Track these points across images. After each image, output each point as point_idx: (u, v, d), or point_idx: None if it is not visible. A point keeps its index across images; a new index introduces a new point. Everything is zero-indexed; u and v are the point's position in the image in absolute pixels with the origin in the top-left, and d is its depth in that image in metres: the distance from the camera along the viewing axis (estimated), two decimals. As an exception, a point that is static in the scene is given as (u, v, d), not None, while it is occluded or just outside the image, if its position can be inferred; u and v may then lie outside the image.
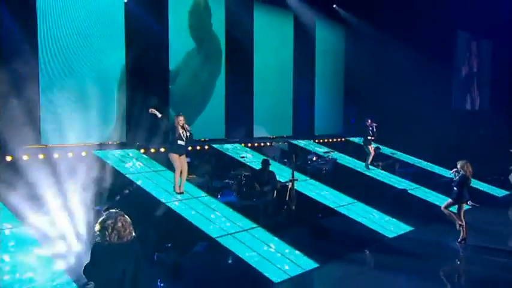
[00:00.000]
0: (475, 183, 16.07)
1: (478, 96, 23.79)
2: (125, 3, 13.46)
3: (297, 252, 9.02)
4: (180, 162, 10.31)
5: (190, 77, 15.46)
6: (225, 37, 16.13)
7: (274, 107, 18.00)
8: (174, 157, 10.25)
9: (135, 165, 11.61)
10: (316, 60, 19.57)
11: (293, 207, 11.01)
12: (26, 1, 11.58)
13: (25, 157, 10.41)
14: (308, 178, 13.44)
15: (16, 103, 11.11)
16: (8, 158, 10.25)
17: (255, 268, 8.19)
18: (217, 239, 8.92)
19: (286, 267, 8.42)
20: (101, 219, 4.27)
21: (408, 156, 18.24)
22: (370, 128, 15.35)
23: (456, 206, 10.47)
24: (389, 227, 11.40)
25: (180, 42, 14.96)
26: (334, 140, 18.73)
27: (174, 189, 10.47)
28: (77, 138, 12.50)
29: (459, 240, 10.31)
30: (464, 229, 10.29)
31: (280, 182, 11.70)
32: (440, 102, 20.81)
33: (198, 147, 13.93)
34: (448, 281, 8.60)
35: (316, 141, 17.81)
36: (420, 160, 18.23)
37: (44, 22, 11.91)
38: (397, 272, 8.75)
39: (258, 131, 17.34)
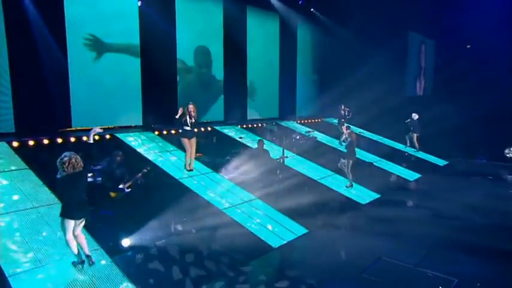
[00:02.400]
0: (422, 155, 16.15)
1: (424, 84, 23.09)
2: (138, 6, 12.27)
3: (290, 220, 8.37)
4: (190, 144, 9.44)
5: (195, 70, 14.35)
6: (223, 36, 15.01)
7: (263, 94, 17.16)
8: (184, 141, 9.46)
9: (151, 146, 10.63)
10: (297, 54, 18.62)
11: (280, 177, 10.30)
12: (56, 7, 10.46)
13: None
14: (294, 154, 12.60)
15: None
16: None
17: (256, 235, 7.52)
18: (223, 210, 8.15)
19: (282, 235, 7.78)
20: (59, 159, 5.11)
21: (371, 134, 17.50)
22: (343, 112, 14.59)
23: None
24: (362, 195, 10.79)
25: (186, 40, 13.79)
26: (313, 120, 17.86)
27: (184, 167, 9.60)
28: (102, 122, 11.52)
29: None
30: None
31: (272, 159, 10.90)
32: (396, 90, 20.15)
33: (202, 129, 12.99)
34: (415, 240, 7.93)
35: (299, 121, 16.95)
36: (381, 137, 17.50)
37: (72, 27, 10.82)
38: (374, 234, 8.20)
39: (251, 114, 16.42)
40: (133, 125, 12.44)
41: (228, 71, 15.21)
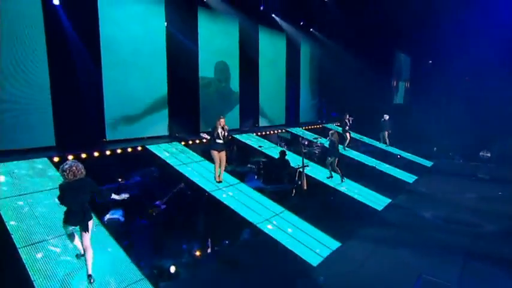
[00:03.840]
0: (405, 155, 15.11)
1: (403, 94, 21.95)
2: (165, 26, 10.75)
3: (321, 232, 7.08)
4: (219, 156, 8.07)
5: (215, 82, 12.90)
6: (239, 52, 13.60)
7: (272, 103, 15.69)
8: (214, 153, 8.07)
9: (180, 157, 9.23)
10: (301, 67, 17.23)
11: (305, 188, 8.94)
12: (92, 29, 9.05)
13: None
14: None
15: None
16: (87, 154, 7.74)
17: (295, 252, 6.20)
18: (258, 225, 6.81)
19: (317, 250, 6.47)
20: (60, 166, 4.50)
21: (366, 138, 16.31)
22: (347, 121, 13.29)
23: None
24: (375, 200, 9.51)
25: (207, 56, 12.29)
26: (314, 126, 16.56)
27: (214, 178, 8.22)
28: (132, 134, 10.10)
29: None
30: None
31: (293, 168, 9.57)
32: (385, 98, 19.05)
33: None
34: (443, 251, 6.68)
35: (303, 128, 15.63)
36: (373, 141, 16.32)
37: (106, 44, 9.43)
38: (402, 245, 6.91)
39: (262, 122, 15.03)
40: (160, 135, 11.01)
41: (243, 83, 13.81)
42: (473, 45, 16.96)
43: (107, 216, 6.27)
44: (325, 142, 11.60)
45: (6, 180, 6.43)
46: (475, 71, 18.29)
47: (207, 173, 8.63)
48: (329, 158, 10.23)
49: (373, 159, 13.38)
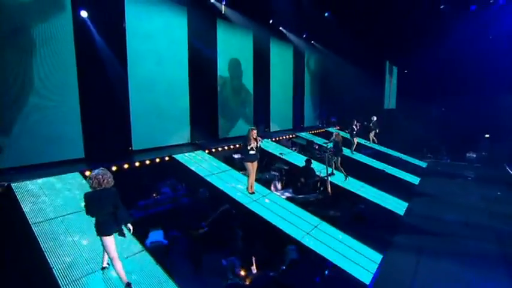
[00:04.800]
0: (400, 156, 14.26)
1: (392, 100, 21.26)
2: (188, 37, 9.65)
3: (359, 243, 6.15)
4: (253, 167, 7.02)
5: (231, 90, 11.78)
6: (253, 63, 12.45)
7: (281, 109, 14.63)
8: (248, 164, 7.03)
9: (207, 167, 8.12)
10: (305, 76, 16.25)
11: (330, 193, 8.01)
12: (121, 42, 7.94)
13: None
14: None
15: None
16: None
17: (345, 270, 5.25)
18: (301, 240, 5.82)
19: (363, 264, 5.53)
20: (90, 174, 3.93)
21: (363, 140, 15.48)
22: (354, 127, 12.41)
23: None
24: (395, 204, 8.64)
25: (224, 66, 11.17)
26: (319, 130, 15.64)
27: (247, 189, 7.18)
28: (156, 142, 8.93)
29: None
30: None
31: (319, 176, 8.59)
32: (377, 104, 18.28)
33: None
34: (478, 260, 5.97)
35: (310, 132, 14.67)
36: (367, 142, 15.48)
37: (132, 56, 8.22)
38: (440, 254, 6.16)
39: (273, 127, 14.00)
40: (183, 143, 9.86)
41: (256, 91, 12.74)
42: (454, 56, 16.46)
43: (149, 240, 5.15)
44: (330, 144, 10.74)
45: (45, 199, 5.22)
46: (456, 80, 17.78)
47: (237, 183, 7.57)
48: (333, 157, 9.52)
49: (379, 162, 12.53)
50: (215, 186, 7.12)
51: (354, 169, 10.35)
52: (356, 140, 12.66)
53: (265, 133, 13.24)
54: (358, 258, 5.70)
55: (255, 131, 6.88)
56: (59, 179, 5.83)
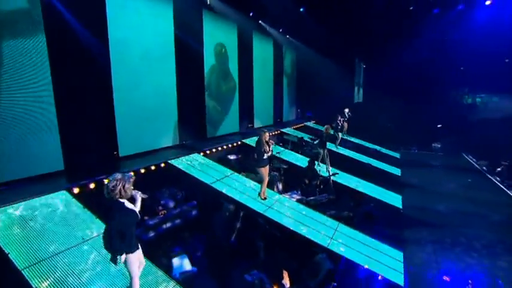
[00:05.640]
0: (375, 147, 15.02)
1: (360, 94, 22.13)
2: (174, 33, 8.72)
3: (380, 243, 6.15)
4: (266, 172, 6.58)
5: (217, 86, 11.08)
6: (237, 58, 11.85)
7: (263, 105, 14.31)
8: (262, 170, 6.60)
9: (209, 172, 7.50)
10: (284, 71, 16.00)
11: (333, 196, 7.92)
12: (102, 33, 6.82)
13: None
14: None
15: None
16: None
17: (378, 273, 5.15)
18: (329, 247, 5.60)
19: (391, 264, 5.48)
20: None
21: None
22: (338, 122, 12.54)
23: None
24: (391, 198, 8.84)
25: (211, 60, 10.48)
26: (298, 125, 15.59)
27: (259, 196, 6.76)
28: (144, 147, 8.02)
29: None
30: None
31: (322, 176, 8.44)
32: (348, 98, 18.86)
33: (234, 144, 10.00)
34: (485, 250, 6.31)
35: (293, 127, 14.55)
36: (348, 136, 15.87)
37: (115, 49, 7.13)
38: (455, 245, 6.42)
39: (256, 123, 13.62)
40: (173, 145, 9.04)
41: (241, 86, 12.18)
42: (418, 56, 17.54)
43: (176, 271, 4.49)
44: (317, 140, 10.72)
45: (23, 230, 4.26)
46: (419, 77, 18.98)
47: (246, 189, 7.09)
48: (320, 151, 9.54)
49: (363, 156, 12.83)
50: (227, 196, 6.57)
51: (343, 164, 10.43)
52: (340, 134, 12.81)
53: (249, 130, 12.81)
54: (383, 259, 5.66)
55: (267, 134, 6.44)
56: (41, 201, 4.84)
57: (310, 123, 16.54)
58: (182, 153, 8.09)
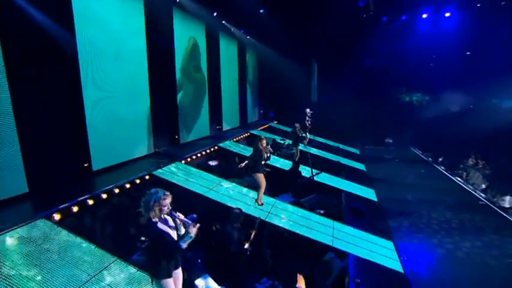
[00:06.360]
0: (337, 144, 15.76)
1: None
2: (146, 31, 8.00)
3: (373, 236, 6.47)
4: (263, 178, 6.41)
5: (187, 89, 10.47)
6: (206, 59, 11.32)
7: (230, 107, 14.02)
8: (261, 176, 6.38)
9: (201, 182, 7.02)
10: (247, 73, 15.86)
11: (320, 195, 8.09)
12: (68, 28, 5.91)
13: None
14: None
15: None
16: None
17: (388, 267, 5.35)
18: (334, 245, 5.68)
19: (389, 254, 5.80)
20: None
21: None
22: (306, 122, 12.87)
23: None
24: (365, 192, 9.33)
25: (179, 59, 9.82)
26: (264, 126, 15.59)
27: (256, 202, 6.56)
28: (119, 158, 7.19)
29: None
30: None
31: (305, 177, 8.50)
32: (306, 97, 19.48)
33: (212, 149, 9.56)
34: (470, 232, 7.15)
35: (260, 128, 14.49)
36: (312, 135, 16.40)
37: (84, 49, 6.22)
38: (442, 232, 7.10)
39: (224, 125, 13.26)
40: (149, 153, 8.26)
41: (211, 89, 11.75)
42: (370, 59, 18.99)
43: None
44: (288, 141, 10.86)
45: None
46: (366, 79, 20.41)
47: (241, 197, 6.80)
48: (296, 151, 9.85)
49: (330, 153, 13.31)
50: (226, 206, 6.18)
51: (316, 163, 10.71)
52: (308, 134, 13.12)
53: (217, 132, 12.42)
54: (380, 250, 5.91)
55: (265, 141, 6.27)
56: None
57: (274, 124, 16.70)
58: (163, 162, 7.44)
